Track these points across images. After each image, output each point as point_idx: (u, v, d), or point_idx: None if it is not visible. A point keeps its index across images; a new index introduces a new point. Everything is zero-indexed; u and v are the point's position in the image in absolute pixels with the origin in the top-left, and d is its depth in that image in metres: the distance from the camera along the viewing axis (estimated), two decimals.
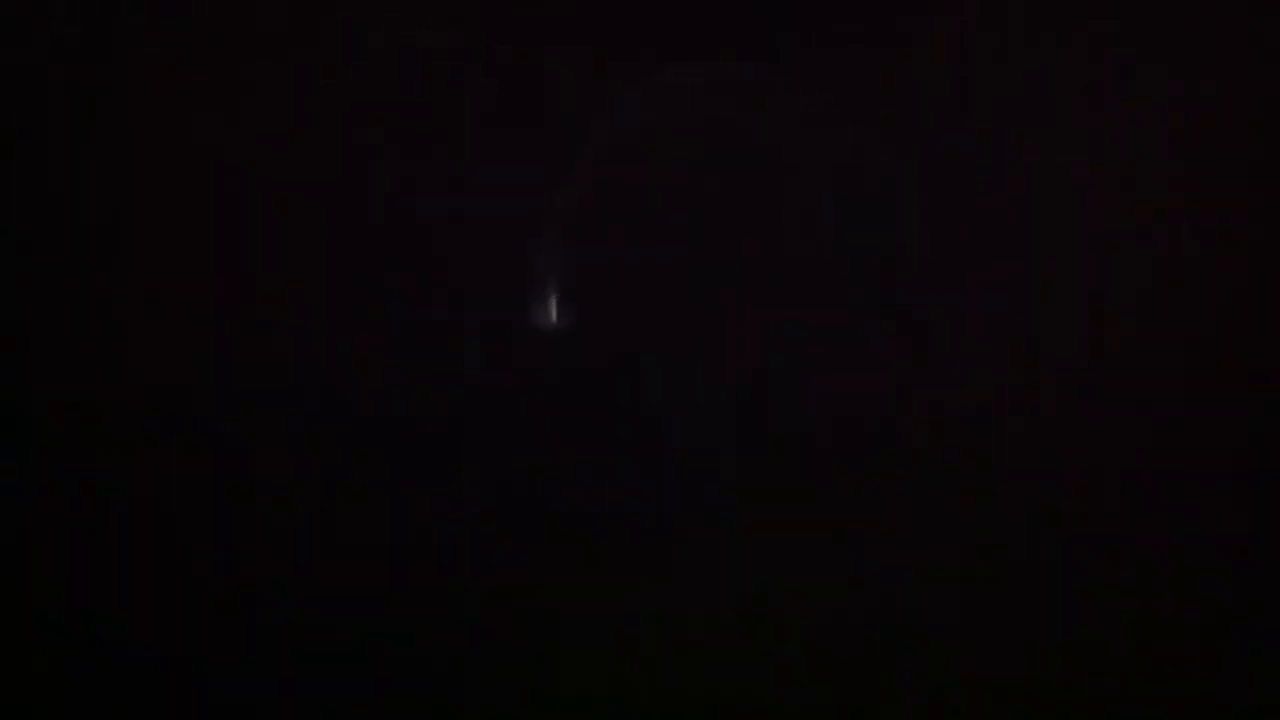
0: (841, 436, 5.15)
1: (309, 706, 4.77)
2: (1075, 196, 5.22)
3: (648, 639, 4.92)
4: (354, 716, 4.78)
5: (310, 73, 5.21)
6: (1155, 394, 5.14)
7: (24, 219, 5.15)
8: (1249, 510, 5.06)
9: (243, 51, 5.20)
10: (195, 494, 5.06)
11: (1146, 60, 5.22)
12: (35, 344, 5.13)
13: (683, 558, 5.07)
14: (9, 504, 5.01)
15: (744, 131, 5.22)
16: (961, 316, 5.23)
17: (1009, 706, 4.73)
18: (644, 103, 5.15)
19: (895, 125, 5.21)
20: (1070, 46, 5.22)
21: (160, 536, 5.02)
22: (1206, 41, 5.19)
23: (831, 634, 4.89)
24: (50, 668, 4.84)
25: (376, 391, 5.18)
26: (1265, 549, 5.00)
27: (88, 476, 5.05)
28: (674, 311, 5.24)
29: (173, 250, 5.19)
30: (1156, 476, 5.08)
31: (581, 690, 4.82)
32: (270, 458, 5.11)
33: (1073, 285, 5.22)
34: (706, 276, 5.23)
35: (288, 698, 4.77)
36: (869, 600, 4.96)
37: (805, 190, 5.24)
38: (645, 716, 4.77)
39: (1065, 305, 5.22)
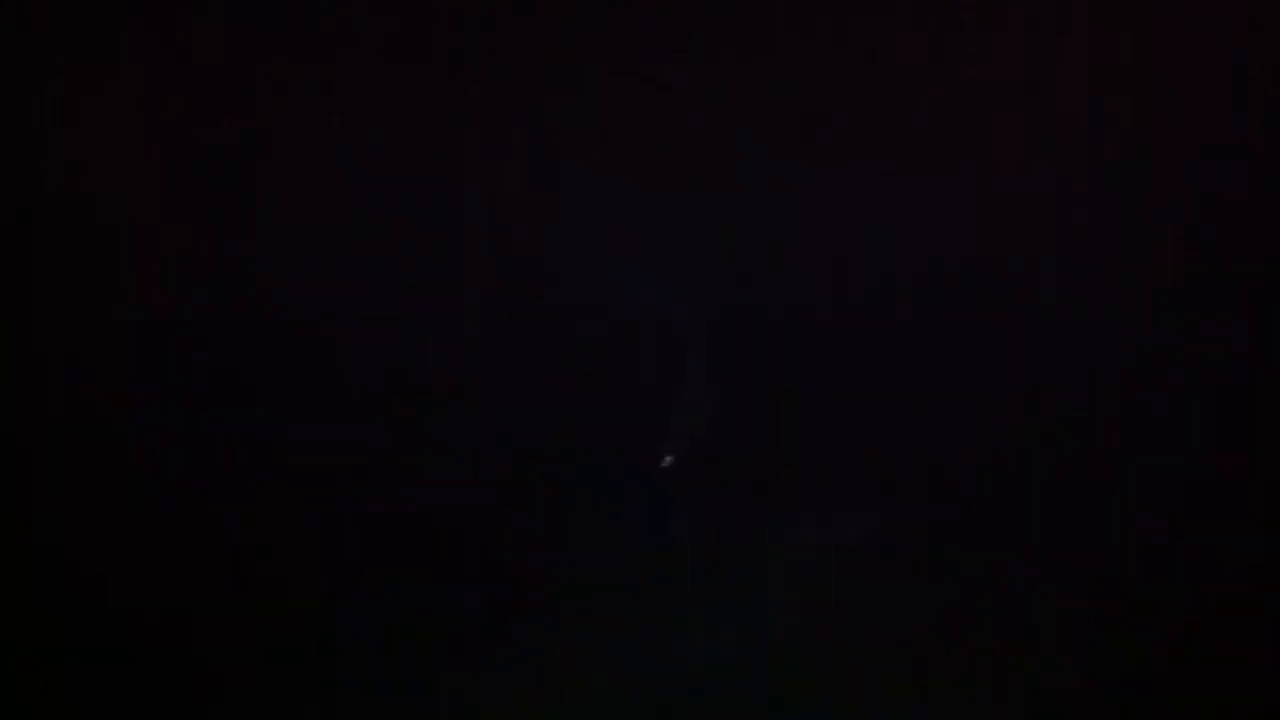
0: None
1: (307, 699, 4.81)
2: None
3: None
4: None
5: (310, 73, 5.23)
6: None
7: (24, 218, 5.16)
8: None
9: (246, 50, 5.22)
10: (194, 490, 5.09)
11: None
12: (36, 339, 5.14)
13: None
14: (11, 501, 5.02)
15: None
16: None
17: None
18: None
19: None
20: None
21: (157, 533, 5.04)
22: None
23: None
24: (52, 663, 4.85)
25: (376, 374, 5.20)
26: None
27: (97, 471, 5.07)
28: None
29: (173, 245, 5.21)
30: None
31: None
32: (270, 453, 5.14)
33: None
34: None
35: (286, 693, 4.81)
36: None
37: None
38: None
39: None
